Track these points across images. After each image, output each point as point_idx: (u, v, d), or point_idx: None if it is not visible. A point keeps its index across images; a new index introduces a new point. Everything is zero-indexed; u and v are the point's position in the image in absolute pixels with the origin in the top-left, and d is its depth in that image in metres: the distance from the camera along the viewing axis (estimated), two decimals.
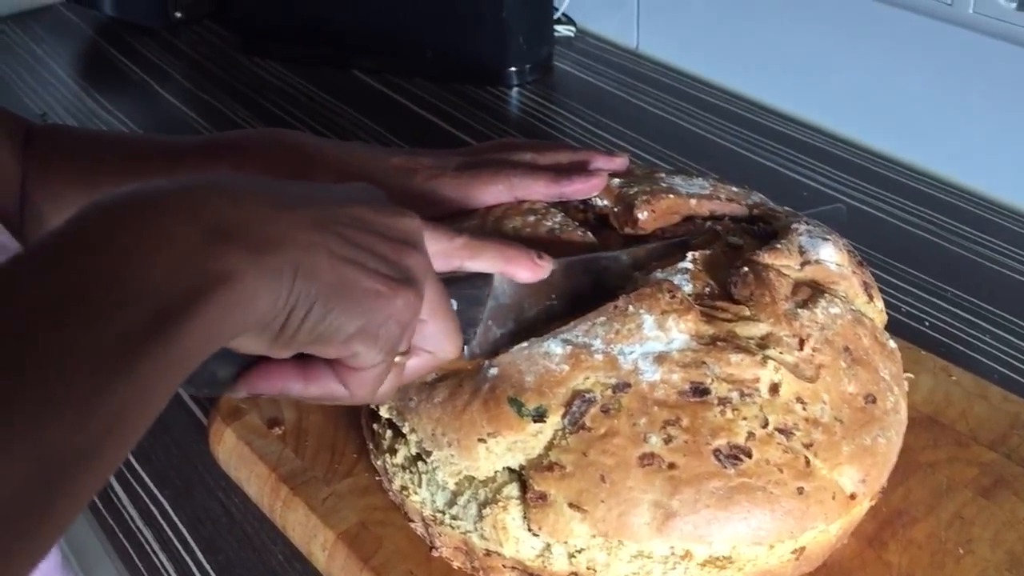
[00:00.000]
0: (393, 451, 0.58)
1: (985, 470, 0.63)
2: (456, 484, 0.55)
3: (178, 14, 1.43)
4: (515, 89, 1.23)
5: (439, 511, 0.56)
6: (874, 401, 0.56)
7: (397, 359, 0.47)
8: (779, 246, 0.60)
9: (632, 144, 1.10)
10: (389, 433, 0.58)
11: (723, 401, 0.52)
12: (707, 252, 0.61)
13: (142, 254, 0.36)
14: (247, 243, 0.39)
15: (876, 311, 0.63)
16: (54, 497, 0.32)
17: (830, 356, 0.56)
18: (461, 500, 0.54)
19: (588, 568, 0.52)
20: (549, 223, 0.62)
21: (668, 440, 0.51)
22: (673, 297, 0.55)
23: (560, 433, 0.52)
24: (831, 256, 0.62)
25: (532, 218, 0.62)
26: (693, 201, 0.65)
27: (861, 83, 1.04)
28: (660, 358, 0.53)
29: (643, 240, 0.63)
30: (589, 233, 0.62)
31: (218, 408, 0.69)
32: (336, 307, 0.42)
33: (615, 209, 0.65)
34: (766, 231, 0.64)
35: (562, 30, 1.32)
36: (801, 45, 1.08)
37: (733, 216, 0.66)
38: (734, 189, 0.68)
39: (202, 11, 1.45)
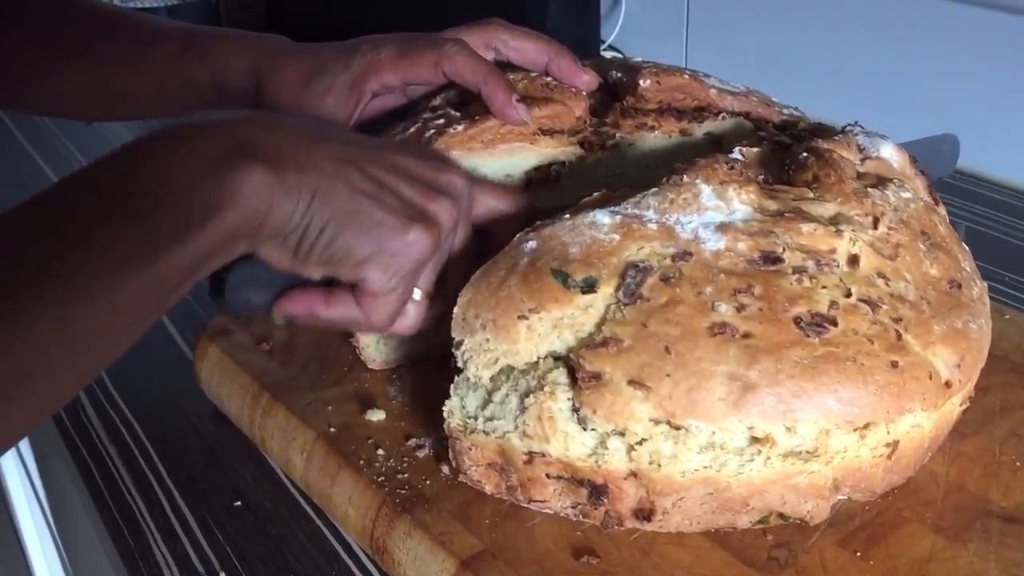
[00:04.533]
0: None
1: None
2: (492, 379, 0.47)
3: None
4: None
5: (470, 417, 0.48)
6: (959, 287, 0.50)
7: (416, 296, 0.49)
8: (837, 138, 0.55)
9: None
10: None
11: (798, 270, 0.46)
12: (755, 149, 0.55)
13: (171, 170, 0.41)
14: (271, 162, 0.43)
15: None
16: (64, 362, 0.38)
17: (907, 237, 0.49)
18: (498, 396, 0.47)
19: (651, 463, 0.44)
20: (547, 79, 0.61)
21: (740, 308, 0.44)
22: (732, 168, 0.49)
23: (614, 307, 0.45)
24: (892, 155, 0.56)
25: (533, 74, 0.61)
26: (713, 91, 0.61)
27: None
28: (723, 227, 0.47)
29: (644, 114, 0.60)
30: (584, 94, 0.60)
31: (205, 328, 0.64)
32: (347, 232, 0.45)
33: (621, 78, 0.61)
34: (800, 136, 0.59)
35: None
36: (850, 59, 1.05)
37: (778, 124, 0.61)
38: (773, 99, 0.63)
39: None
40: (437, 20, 0.65)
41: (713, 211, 0.48)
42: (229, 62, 0.62)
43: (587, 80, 0.62)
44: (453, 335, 0.47)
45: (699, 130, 0.61)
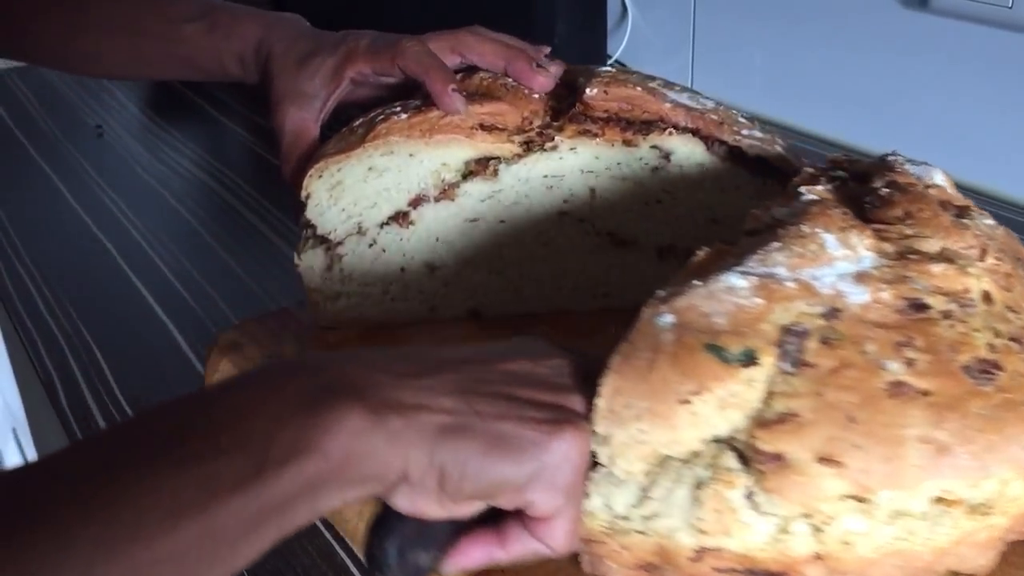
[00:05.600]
0: None
1: None
2: (646, 473, 0.42)
3: None
4: None
5: (619, 517, 0.43)
6: None
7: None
8: (899, 169, 0.53)
9: None
10: None
11: (946, 315, 0.44)
12: (819, 187, 0.52)
13: (246, 410, 0.37)
14: (367, 404, 0.39)
15: None
16: None
17: (1010, 265, 0.48)
18: (657, 492, 0.42)
19: (843, 542, 0.41)
20: (508, 79, 0.64)
21: (910, 363, 0.42)
22: (846, 213, 0.47)
23: (779, 379, 0.41)
24: (944, 182, 0.55)
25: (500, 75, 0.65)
26: (667, 105, 0.62)
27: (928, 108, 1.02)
28: (860, 277, 0.44)
29: (593, 121, 0.62)
30: (537, 96, 0.63)
31: (216, 342, 0.64)
32: (494, 462, 0.41)
33: (584, 83, 0.62)
34: (856, 171, 0.57)
35: None
36: (856, 77, 1.05)
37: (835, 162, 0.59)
38: (741, 119, 0.64)
39: None
40: (436, 27, 0.68)
41: (843, 260, 0.45)
42: (252, 39, 0.69)
43: (541, 82, 0.64)
44: (597, 430, 0.42)
45: (644, 142, 0.63)
